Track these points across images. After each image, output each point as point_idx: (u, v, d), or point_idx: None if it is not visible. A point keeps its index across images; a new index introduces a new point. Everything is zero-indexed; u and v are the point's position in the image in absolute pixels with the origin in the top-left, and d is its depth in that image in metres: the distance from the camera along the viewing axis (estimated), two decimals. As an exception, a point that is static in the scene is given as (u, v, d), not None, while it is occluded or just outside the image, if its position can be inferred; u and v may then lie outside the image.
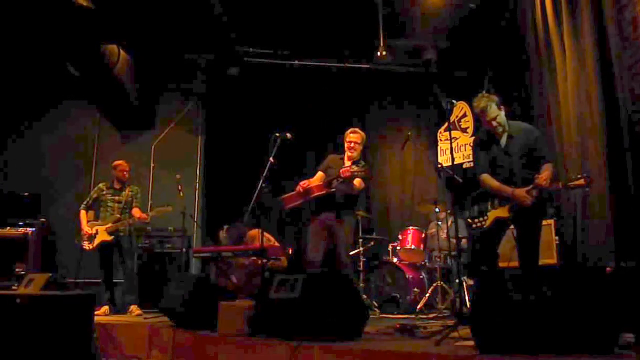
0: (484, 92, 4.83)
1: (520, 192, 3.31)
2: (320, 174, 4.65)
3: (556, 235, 4.60)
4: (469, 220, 3.62)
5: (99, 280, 5.60)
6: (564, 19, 4.68)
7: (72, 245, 6.53)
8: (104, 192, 5.59)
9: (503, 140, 3.55)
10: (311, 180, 4.57)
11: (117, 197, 5.59)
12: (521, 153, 3.47)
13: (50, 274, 3.90)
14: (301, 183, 4.48)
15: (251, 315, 3.27)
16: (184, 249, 5.96)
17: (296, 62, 7.21)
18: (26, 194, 6.49)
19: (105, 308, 5.33)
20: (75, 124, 7.23)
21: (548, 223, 4.66)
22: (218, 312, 3.44)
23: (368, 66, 7.27)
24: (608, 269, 2.87)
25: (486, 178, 3.55)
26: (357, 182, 4.37)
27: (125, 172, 5.65)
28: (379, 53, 6.29)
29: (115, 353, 3.95)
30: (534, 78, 5.31)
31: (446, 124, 3.56)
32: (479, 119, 3.63)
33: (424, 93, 7.47)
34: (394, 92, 7.68)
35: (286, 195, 4.65)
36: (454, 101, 3.55)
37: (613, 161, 4.04)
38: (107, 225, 5.44)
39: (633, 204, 3.79)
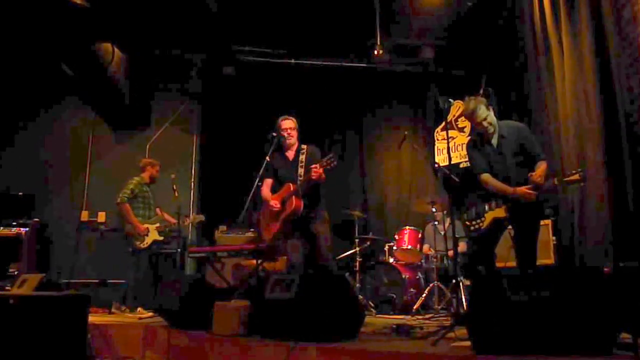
0: (481, 93, 4.87)
1: (522, 189, 3.32)
2: (270, 180, 4.44)
3: (554, 235, 4.59)
4: (467, 222, 3.62)
5: (95, 281, 5.58)
6: (562, 18, 4.67)
7: (67, 245, 6.52)
8: (145, 190, 5.61)
9: (495, 141, 3.57)
10: (271, 195, 4.36)
11: (152, 196, 5.65)
12: (514, 152, 3.48)
13: (44, 275, 3.88)
14: (272, 203, 4.23)
15: (247, 316, 3.26)
16: (179, 249, 5.94)
17: (292, 61, 7.19)
18: (20, 193, 6.44)
19: (121, 307, 5.31)
20: (69, 123, 7.18)
21: (546, 223, 4.66)
22: (213, 312, 3.41)
23: (365, 65, 7.26)
24: (606, 269, 2.86)
25: (487, 178, 3.55)
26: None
27: (158, 173, 5.77)
28: (376, 52, 6.28)
29: (110, 354, 3.93)
30: (532, 77, 5.30)
31: (443, 123, 3.55)
32: (470, 121, 3.65)
33: (421, 92, 7.47)
34: (391, 91, 7.68)
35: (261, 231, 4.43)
36: (451, 100, 3.55)
37: (611, 160, 4.03)
38: (157, 225, 5.45)
39: (631, 203, 3.78)
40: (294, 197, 4.15)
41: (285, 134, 4.40)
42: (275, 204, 4.23)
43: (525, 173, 3.36)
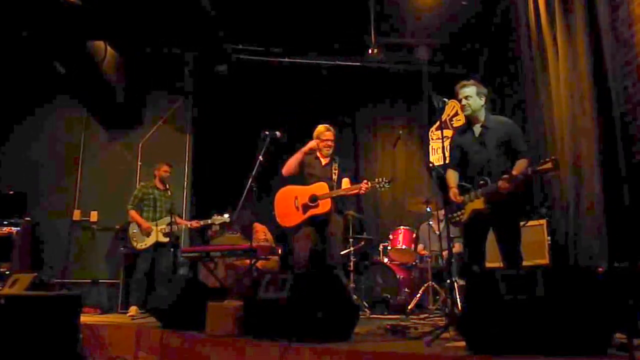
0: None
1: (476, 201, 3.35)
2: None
3: (548, 235, 4.59)
4: (449, 215, 3.60)
5: (87, 281, 5.54)
6: (557, 18, 4.67)
7: (59, 245, 6.47)
8: (150, 192, 5.60)
9: (477, 130, 3.57)
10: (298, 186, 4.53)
11: (164, 198, 5.65)
12: (497, 144, 3.47)
13: (36, 274, 3.85)
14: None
15: (240, 316, 3.24)
16: (171, 249, 5.90)
17: (286, 59, 7.16)
18: (11, 192, 6.38)
19: (135, 308, 5.24)
20: (61, 122, 7.11)
21: (540, 223, 4.66)
22: (206, 312, 3.39)
23: (359, 64, 7.24)
24: (600, 269, 2.86)
25: (449, 174, 3.64)
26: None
27: (168, 173, 5.76)
28: (370, 51, 6.27)
29: (102, 354, 3.90)
30: (527, 77, 5.30)
31: (438, 123, 3.54)
32: (456, 97, 3.69)
33: (415, 91, 7.46)
34: (386, 90, 7.67)
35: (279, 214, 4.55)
36: (445, 100, 3.52)
37: (606, 161, 4.02)
38: (162, 227, 5.43)
39: (626, 204, 3.78)
40: (330, 200, 4.36)
41: (324, 145, 4.58)
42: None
43: (507, 165, 3.36)
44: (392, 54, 7.04)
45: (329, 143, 4.59)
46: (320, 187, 4.43)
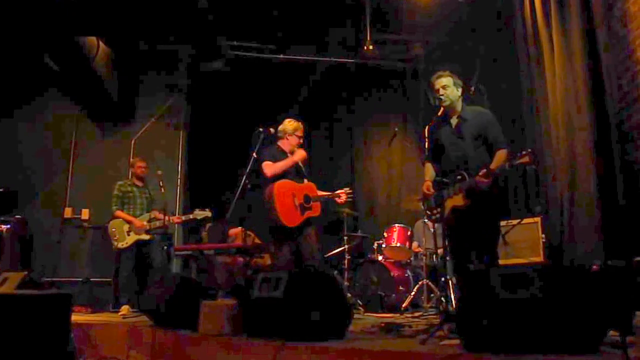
0: (472, 90, 4.85)
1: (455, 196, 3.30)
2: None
3: (543, 233, 4.58)
4: (428, 212, 3.56)
5: (78, 279, 5.49)
6: (552, 15, 4.65)
7: (50, 243, 6.41)
8: (129, 190, 5.54)
9: (453, 122, 3.53)
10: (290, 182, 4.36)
11: (143, 195, 5.59)
12: (473, 136, 3.41)
13: (26, 273, 3.81)
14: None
15: (233, 315, 3.21)
16: (164, 247, 5.86)
17: (281, 56, 7.12)
18: (1, 189, 6.31)
19: (127, 307, 5.17)
20: (53, 118, 7.04)
21: (535, 221, 4.65)
22: (199, 311, 3.36)
23: (355, 61, 7.21)
24: (595, 267, 2.86)
25: (426, 167, 3.61)
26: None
27: (143, 169, 5.68)
28: (365, 47, 6.24)
29: (93, 353, 3.86)
30: (523, 74, 5.29)
31: (433, 120, 3.53)
32: (432, 86, 3.63)
33: (411, 89, 7.44)
34: (381, 88, 7.65)
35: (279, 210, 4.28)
36: (443, 97, 3.50)
37: (601, 158, 4.01)
38: (143, 223, 5.37)
39: (620, 201, 3.78)
40: (319, 203, 4.31)
41: (297, 141, 4.43)
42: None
43: (485, 158, 3.30)
44: (387, 51, 7.01)
45: (301, 140, 4.47)
46: (310, 188, 4.36)
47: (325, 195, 4.44)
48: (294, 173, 4.36)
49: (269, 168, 4.21)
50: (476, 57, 6.29)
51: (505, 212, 4.41)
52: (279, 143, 4.42)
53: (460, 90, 3.54)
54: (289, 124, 4.44)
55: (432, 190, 3.51)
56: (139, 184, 5.66)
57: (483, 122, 3.44)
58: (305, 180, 4.41)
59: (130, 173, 5.78)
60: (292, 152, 4.39)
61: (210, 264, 5.20)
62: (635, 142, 3.86)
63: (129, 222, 5.39)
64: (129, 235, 5.35)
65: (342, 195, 4.44)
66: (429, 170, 3.64)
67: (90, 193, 6.70)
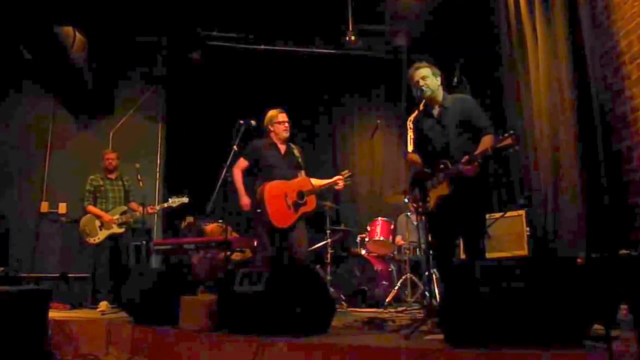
0: (455, 81, 4.81)
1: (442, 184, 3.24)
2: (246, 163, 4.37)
3: (527, 226, 4.58)
4: (414, 205, 3.49)
5: (56, 275, 5.37)
6: (536, 6, 4.63)
7: (26, 237, 6.27)
8: (101, 184, 5.44)
9: (435, 111, 3.47)
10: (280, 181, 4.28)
11: (117, 187, 5.49)
12: (456, 122, 3.35)
13: (2, 268, 3.72)
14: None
15: (214, 310, 3.17)
16: (143, 242, 5.76)
17: (262, 46, 7.01)
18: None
19: (105, 303, 5.07)
20: (29, 110, 6.88)
21: (519, 214, 4.64)
22: (180, 307, 3.31)
23: (337, 51, 7.13)
24: (579, 259, 2.86)
25: (411, 156, 3.49)
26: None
27: (112, 161, 5.55)
28: (348, 38, 6.17)
29: (71, 351, 3.79)
30: (506, 66, 5.28)
31: (416, 112, 3.47)
32: (410, 80, 3.56)
33: (394, 80, 7.39)
34: (364, 79, 7.60)
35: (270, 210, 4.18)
36: (424, 88, 3.45)
37: (585, 151, 4.00)
38: (115, 217, 5.27)
39: (605, 194, 3.78)
40: (314, 196, 4.27)
41: (283, 128, 4.40)
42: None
43: (469, 146, 3.23)
44: (370, 42, 6.95)
45: (286, 125, 4.43)
46: (304, 183, 4.32)
47: (323, 185, 4.41)
48: (285, 167, 4.33)
49: (235, 170, 4.29)
50: (459, 47, 6.27)
51: (489, 207, 4.37)
52: (271, 136, 4.43)
53: (439, 79, 3.48)
54: (270, 115, 4.44)
55: (420, 161, 3.43)
56: (111, 176, 5.55)
57: (465, 108, 3.38)
58: (301, 173, 4.38)
59: (102, 167, 5.64)
60: (283, 142, 4.41)
61: (190, 259, 5.12)
62: (620, 133, 3.87)
63: (99, 217, 5.29)
64: (101, 230, 5.26)
65: (340, 181, 4.41)
66: (418, 160, 3.52)
67: (68, 187, 6.56)
